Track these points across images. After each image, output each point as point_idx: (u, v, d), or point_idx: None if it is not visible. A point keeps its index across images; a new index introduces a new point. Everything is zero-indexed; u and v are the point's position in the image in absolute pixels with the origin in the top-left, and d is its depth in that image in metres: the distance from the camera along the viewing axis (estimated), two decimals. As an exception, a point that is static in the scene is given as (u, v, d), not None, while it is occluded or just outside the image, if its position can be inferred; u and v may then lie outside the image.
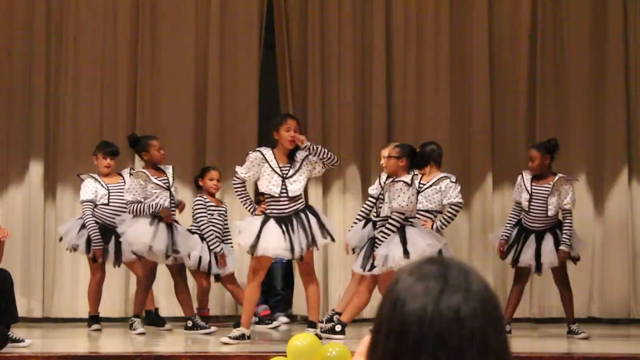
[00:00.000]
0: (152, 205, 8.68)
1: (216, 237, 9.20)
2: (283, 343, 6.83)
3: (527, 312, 10.25)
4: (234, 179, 7.99)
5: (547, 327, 9.85)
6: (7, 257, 8.18)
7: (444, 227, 8.67)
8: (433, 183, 8.78)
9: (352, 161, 10.38)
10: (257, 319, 9.34)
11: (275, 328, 9.59)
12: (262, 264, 7.91)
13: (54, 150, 10.33)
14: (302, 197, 7.97)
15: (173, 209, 8.83)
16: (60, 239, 9.27)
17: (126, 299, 10.16)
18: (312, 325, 7.90)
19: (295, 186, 7.83)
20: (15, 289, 7.75)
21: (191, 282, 9.34)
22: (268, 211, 7.85)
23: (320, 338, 7.11)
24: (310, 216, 7.89)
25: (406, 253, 7.77)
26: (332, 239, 8.03)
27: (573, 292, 8.83)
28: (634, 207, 10.50)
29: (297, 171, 7.85)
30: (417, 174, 8.18)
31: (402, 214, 7.89)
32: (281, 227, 7.78)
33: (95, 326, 9.06)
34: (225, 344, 7.71)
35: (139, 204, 8.68)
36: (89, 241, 8.99)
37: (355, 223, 8.81)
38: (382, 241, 7.88)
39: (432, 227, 8.49)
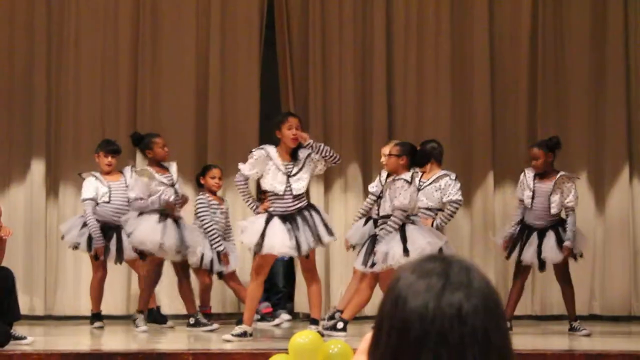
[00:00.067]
0: (156, 200, 8.69)
1: (219, 235, 9.21)
2: (285, 340, 6.84)
3: (529, 309, 10.26)
4: (237, 176, 7.98)
5: (549, 324, 9.85)
6: (10, 255, 8.19)
7: (444, 224, 8.68)
8: (433, 181, 8.79)
9: (353, 159, 10.39)
10: (259, 317, 9.34)
11: (277, 325, 9.59)
12: (266, 262, 7.92)
13: (56, 149, 10.34)
14: (304, 196, 7.99)
15: (178, 203, 8.84)
16: (62, 237, 9.28)
17: (128, 296, 10.17)
18: (314, 322, 7.90)
19: (299, 184, 7.84)
20: (18, 286, 7.75)
21: (193, 279, 9.34)
22: (271, 209, 7.85)
23: (322, 335, 7.10)
24: (314, 214, 7.90)
25: (406, 251, 7.77)
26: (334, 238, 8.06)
27: (574, 290, 8.84)
28: (635, 205, 10.50)
29: (300, 169, 7.85)
30: (417, 172, 8.19)
31: (404, 211, 7.90)
32: (286, 225, 7.78)
33: (97, 324, 9.08)
34: (228, 341, 7.72)
35: (143, 201, 8.69)
36: (90, 239, 9.00)
37: (356, 220, 8.82)
38: (384, 238, 7.88)
39: (432, 225, 8.49)
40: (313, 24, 10.50)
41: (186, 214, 9.16)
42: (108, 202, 9.05)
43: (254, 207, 7.97)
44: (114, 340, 8.65)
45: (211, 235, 9.13)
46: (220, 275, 9.32)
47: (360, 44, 10.55)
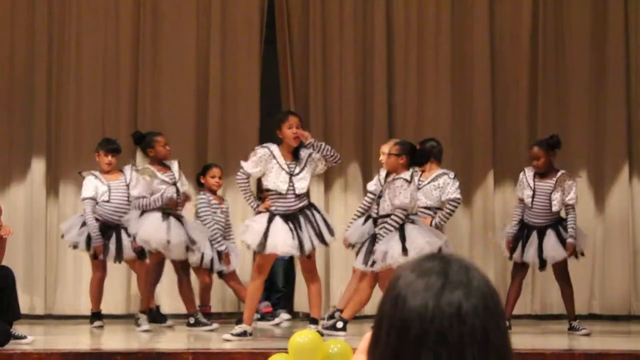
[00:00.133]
0: (158, 198, 8.69)
1: (220, 235, 9.21)
2: (285, 340, 6.84)
3: (528, 308, 10.27)
4: (239, 174, 7.95)
5: (549, 324, 9.85)
6: (10, 254, 8.19)
7: (443, 223, 8.68)
8: (432, 179, 8.80)
9: (353, 159, 10.39)
10: (258, 316, 9.34)
11: (277, 325, 9.59)
12: (267, 261, 7.92)
13: (56, 148, 10.35)
14: (306, 195, 7.99)
15: (180, 201, 8.85)
16: (62, 236, 9.28)
17: (128, 296, 10.17)
18: (314, 322, 7.90)
19: (301, 184, 7.84)
20: (18, 286, 7.75)
21: (193, 278, 9.35)
22: (273, 208, 7.84)
23: (322, 335, 7.11)
24: (316, 213, 7.90)
25: (404, 250, 7.78)
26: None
27: (574, 289, 8.84)
28: (635, 205, 10.51)
29: (302, 169, 7.85)
30: (417, 171, 8.19)
31: (405, 210, 7.90)
32: (288, 225, 7.78)
33: (97, 323, 9.08)
34: (227, 340, 7.72)
35: (146, 199, 8.69)
36: (89, 238, 8.99)
37: (354, 219, 8.82)
38: (384, 236, 7.88)
39: (431, 224, 8.50)
40: (314, 24, 10.51)
41: (186, 213, 9.16)
42: (108, 201, 9.05)
43: (255, 205, 7.97)
44: (113, 339, 8.65)
45: (213, 235, 9.13)
46: (221, 274, 9.32)
47: (360, 43, 10.55)
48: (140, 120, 10.33)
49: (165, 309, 9.76)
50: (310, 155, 7.87)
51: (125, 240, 8.90)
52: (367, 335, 1.71)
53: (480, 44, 10.55)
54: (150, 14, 10.50)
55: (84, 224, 9.04)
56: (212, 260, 9.15)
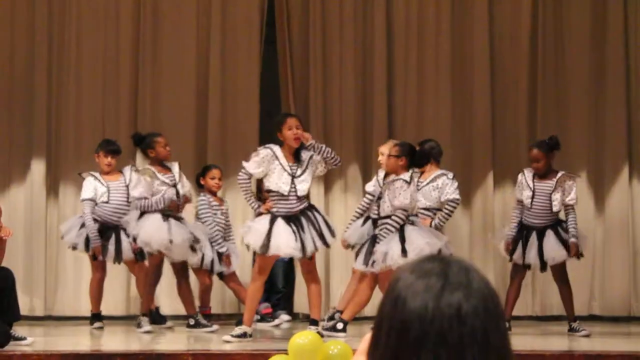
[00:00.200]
0: (160, 199, 8.68)
1: (221, 236, 9.20)
2: (285, 341, 6.84)
3: (529, 309, 10.27)
4: (240, 174, 7.93)
5: (549, 325, 9.85)
6: (10, 255, 8.19)
7: (442, 224, 8.68)
8: (431, 180, 8.79)
9: (353, 159, 10.39)
10: (258, 317, 9.34)
11: (277, 326, 9.59)
12: (269, 263, 7.91)
13: (56, 149, 10.35)
14: (306, 197, 8.00)
15: (180, 202, 8.85)
16: (62, 237, 9.28)
17: (128, 297, 10.17)
18: (314, 323, 7.90)
19: (303, 185, 7.84)
20: (18, 287, 7.75)
21: (193, 280, 9.34)
22: (275, 210, 7.83)
23: (322, 336, 7.11)
24: (317, 215, 7.90)
25: (404, 251, 7.78)
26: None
27: (574, 290, 8.84)
28: (635, 206, 10.51)
29: (304, 171, 7.85)
30: (416, 172, 8.19)
31: (405, 210, 7.90)
32: (290, 226, 7.77)
33: (97, 324, 9.08)
34: (227, 342, 7.72)
35: (147, 200, 8.69)
36: (88, 239, 8.99)
37: (353, 220, 8.81)
38: (384, 237, 7.88)
39: (430, 225, 8.50)
40: (314, 24, 10.51)
41: (186, 214, 9.15)
42: (107, 202, 9.05)
43: (256, 206, 7.95)
44: (113, 340, 8.65)
45: (213, 236, 9.12)
46: (221, 275, 9.32)
47: (360, 43, 10.56)
48: (140, 121, 10.33)
49: (165, 310, 9.76)
50: (311, 157, 7.86)
51: (125, 241, 8.90)
52: (367, 337, 1.71)
53: (480, 44, 10.56)
54: (150, 14, 10.50)
55: (83, 225, 9.04)
56: (212, 262, 9.14)
